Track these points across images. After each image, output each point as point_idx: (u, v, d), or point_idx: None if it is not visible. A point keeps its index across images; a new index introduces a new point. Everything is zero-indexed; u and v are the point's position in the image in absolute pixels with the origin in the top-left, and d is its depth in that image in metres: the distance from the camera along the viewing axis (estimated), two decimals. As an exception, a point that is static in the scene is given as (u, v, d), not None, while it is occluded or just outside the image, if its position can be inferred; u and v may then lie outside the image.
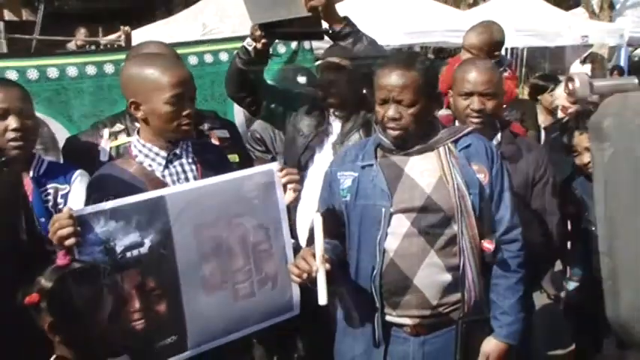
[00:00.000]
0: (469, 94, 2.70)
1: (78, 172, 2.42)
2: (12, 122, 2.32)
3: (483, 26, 3.57)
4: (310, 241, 2.27)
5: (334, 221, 2.23)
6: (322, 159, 2.94)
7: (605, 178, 0.92)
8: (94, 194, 2.14)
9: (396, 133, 2.24)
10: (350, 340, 2.38)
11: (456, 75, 2.81)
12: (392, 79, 2.20)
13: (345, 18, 2.69)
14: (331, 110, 3.01)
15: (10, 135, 2.32)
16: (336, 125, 3.00)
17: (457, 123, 2.80)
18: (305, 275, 2.03)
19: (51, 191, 2.36)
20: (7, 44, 9.74)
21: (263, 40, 2.76)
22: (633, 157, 0.89)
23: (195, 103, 2.23)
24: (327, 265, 2.01)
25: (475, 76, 2.69)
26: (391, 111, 2.21)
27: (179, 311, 2.03)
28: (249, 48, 2.82)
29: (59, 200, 2.35)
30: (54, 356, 1.71)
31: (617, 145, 0.91)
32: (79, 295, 1.66)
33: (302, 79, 3.78)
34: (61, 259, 1.71)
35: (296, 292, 2.28)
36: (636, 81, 1.20)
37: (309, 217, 2.35)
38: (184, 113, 2.14)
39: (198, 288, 2.06)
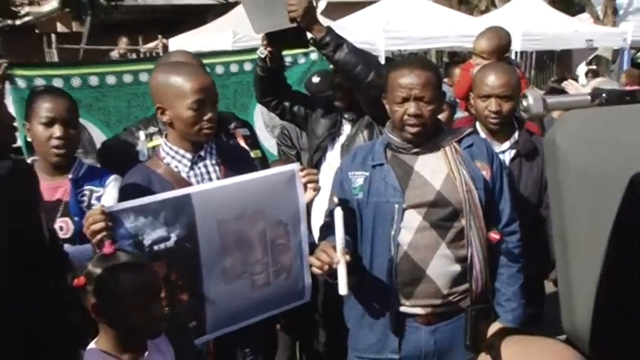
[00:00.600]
0: (487, 97, 2.70)
1: (112, 177, 2.43)
2: (57, 131, 2.35)
3: (491, 32, 3.50)
4: (323, 236, 2.27)
5: (345, 218, 2.22)
6: (332, 159, 2.94)
7: (559, 195, 0.88)
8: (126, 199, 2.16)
9: (416, 129, 2.22)
10: (365, 331, 2.35)
11: (475, 78, 2.82)
12: (413, 77, 2.19)
13: (327, 27, 2.67)
14: (343, 113, 3.00)
15: (54, 142, 2.35)
16: (346, 127, 2.99)
17: (477, 124, 2.81)
18: (326, 267, 2.02)
19: (87, 193, 2.38)
20: (58, 53, 9.94)
21: (268, 48, 2.77)
22: (587, 174, 0.86)
23: (217, 108, 2.22)
24: (348, 257, 2.01)
25: (493, 79, 2.70)
26: (413, 108, 2.19)
27: (200, 299, 2.03)
28: (262, 56, 2.83)
29: (93, 202, 2.37)
30: (99, 335, 1.73)
31: (571, 162, 0.87)
32: (122, 280, 1.67)
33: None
34: (107, 248, 1.72)
35: (308, 281, 2.27)
36: (589, 97, 1.16)
37: (321, 214, 2.34)
38: (206, 118, 2.13)
39: (219, 278, 2.05)
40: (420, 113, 2.20)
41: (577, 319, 0.92)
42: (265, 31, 2.71)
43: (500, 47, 3.38)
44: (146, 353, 1.76)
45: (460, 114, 4.05)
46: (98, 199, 2.37)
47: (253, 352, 2.31)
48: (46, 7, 19.30)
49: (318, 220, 2.50)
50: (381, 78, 2.56)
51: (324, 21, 9.62)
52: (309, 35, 2.68)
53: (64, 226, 2.34)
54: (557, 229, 0.93)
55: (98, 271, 1.67)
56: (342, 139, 2.98)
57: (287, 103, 3.05)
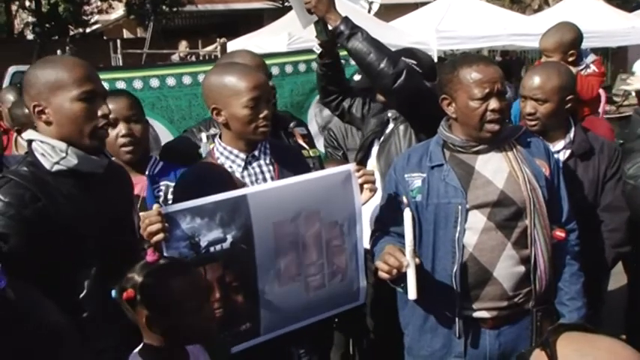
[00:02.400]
0: (525, 98, 2.55)
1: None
2: (122, 129, 2.36)
3: (555, 27, 3.20)
4: (375, 242, 2.18)
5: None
6: (373, 158, 2.84)
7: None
8: (184, 185, 2.14)
9: (498, 126, 2.09)
10: (427, 336, 2.22)
11: None
12: (493, 72, 2.07)
13: (344, 17, 2.56)
14: (387, 111, 2.88)
15: (121, 141, 2.36)
16: (390, 126, 2.86)
17: None
18: (394, 271, 1.90)
19: (162, 188, 2.40)
20: (123, 58, 10.17)
21: (317, 42, 2.73)
22: None
23: (272, 106, 2.14)
24: (417, 260, 1.90)
25: (529, 81, 2.54)
26: (497, 103, 2.06)
27: (254, 301, 1.96)
28: (317, 52, 2.78)
29: (169, 196, 2.35)
30: (141, 345, 1.66)
31: None
32: (174, 286, 1.60)
33: None
34: (150, 256, 1.64)
35: (362, 283, 2.17)
36: None
37: (367, 215, 2.24)
38: (262, 115, 2.04)
39: (274, 280, 1.98)
40: (503, 108, 2.08)
41: None
42: (307, 26, 2.69)
43: (563, 44, 3.09)
44: None
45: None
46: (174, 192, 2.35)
47: (308, 352, 2.22)
48: (113, 15, 19.94)
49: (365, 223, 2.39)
50: (395, 67, 2.45)
51: (378, 23, 9.53)
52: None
53: None
54: None
55: (146, 280, 1.59)
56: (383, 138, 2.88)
57: (346, 104, 3.00)
